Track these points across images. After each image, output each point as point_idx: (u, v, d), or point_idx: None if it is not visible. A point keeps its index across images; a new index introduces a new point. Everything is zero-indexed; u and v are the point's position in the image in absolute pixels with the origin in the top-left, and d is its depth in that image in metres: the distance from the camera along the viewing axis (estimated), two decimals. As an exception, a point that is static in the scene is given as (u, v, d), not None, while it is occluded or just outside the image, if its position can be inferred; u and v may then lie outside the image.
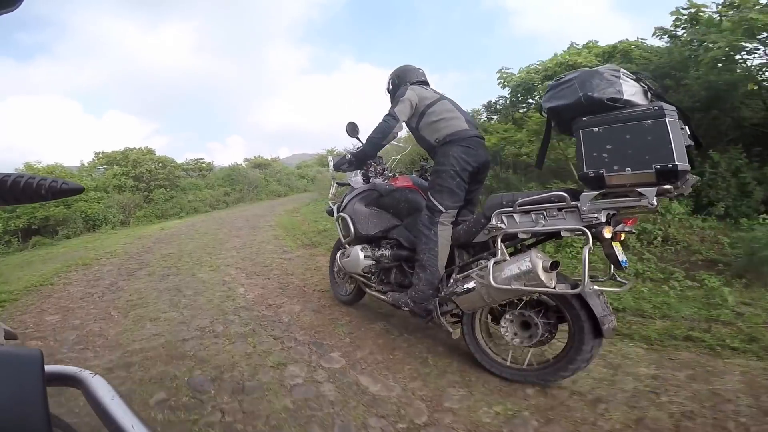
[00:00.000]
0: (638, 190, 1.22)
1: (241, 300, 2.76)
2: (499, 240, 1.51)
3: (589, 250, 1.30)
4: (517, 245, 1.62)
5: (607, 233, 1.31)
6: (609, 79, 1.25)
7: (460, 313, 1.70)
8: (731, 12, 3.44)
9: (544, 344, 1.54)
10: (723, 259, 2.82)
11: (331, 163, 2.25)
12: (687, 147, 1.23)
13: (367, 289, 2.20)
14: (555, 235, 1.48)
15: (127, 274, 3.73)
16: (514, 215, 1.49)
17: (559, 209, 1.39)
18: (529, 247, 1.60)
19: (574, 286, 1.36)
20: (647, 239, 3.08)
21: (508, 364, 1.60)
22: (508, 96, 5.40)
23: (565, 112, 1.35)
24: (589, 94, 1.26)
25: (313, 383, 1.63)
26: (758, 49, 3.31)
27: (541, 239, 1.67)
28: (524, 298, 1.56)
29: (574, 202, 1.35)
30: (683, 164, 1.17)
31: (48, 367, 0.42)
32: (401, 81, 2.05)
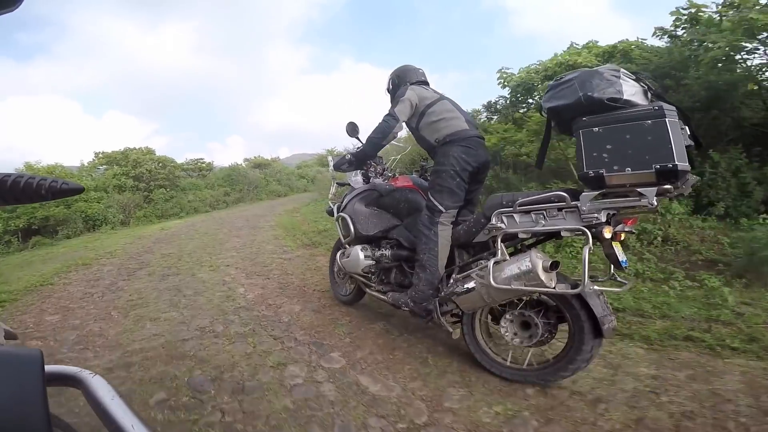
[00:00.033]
0: (638, 190, 1.22)
1: (241, 300, 2.76)
2: (499, 240, 1.51)
3: (589, 250, 1.30)
4: (517, 245, 1.62)
5: (607, 233, 1.31)
6: (609, 79, 1.25)
7: (460, 313, 1.70)
8: (731, 12, 3.44)
9: (544, 344, 1.54)
10: (723, 259, 2.82)
11: (331, 163, 2.25)
12: (687, 147, 1.23)
13: (367, 289, 2.20)
14: (555, 235, 1.48)
15: (127, 274, 3.73)
16: (514, 215, 1.49)
17: (559, 209, 1.39)
18: (529, 247, 1.60)
19: (574, 286, 1.36)
20: (647, 239, 3.08)
21: (507, 364, 1.60)
22: (508, 96, 5.40)
23: (565, 112, 1.35)
24: (589, 94, 1.26)
25: (313, 383, 1.63)
26: (758, 49, 3.30)
27: (541, 239, 1.67)
28: (524, 298, 1.56)
29: (574, 202, 1.35)
30: (683, 164, 1.17)
31: (48, 367, 0.42)
32: (401, 81, 2.05)
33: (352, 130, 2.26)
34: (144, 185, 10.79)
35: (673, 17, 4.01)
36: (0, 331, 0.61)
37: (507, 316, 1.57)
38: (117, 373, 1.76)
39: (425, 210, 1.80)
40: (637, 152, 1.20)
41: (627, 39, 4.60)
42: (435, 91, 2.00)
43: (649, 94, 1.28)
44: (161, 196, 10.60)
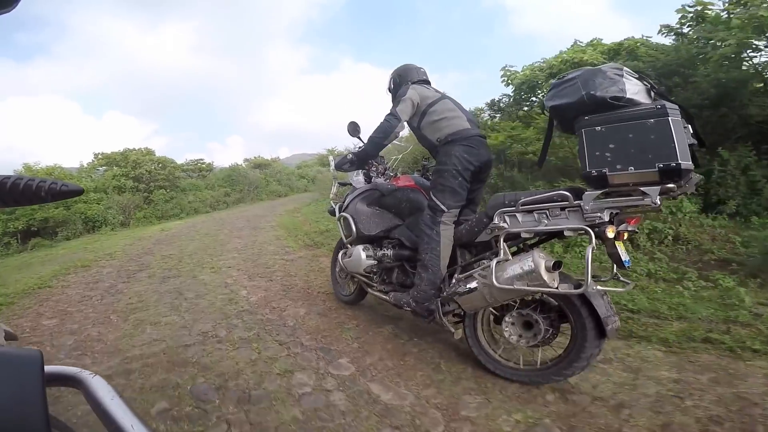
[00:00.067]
0: (641, 189, 1.22)
1: (243, 303, 2.69)
2: (501, 240, 1.51)
3: (592, 250, 1.30)
4: (519, 245, 1.62)
5: (610, 233, 1.31)
6: (612, 78, 1.25)
7: (462, 313, 1.70)
8: (738, 10, 3.39)
9: (546, 344, 1.54)
10: (735, 258, 2.77)
11: (333, 163, 2.25)
12: (690, 146, 1.23)
13: (369, 289, 2.20)
14: (558, 234, 1.47)
15: (127, 277, 3.67)
16: (517, 215, 1.49)
17: (562, 209, 1.39)
18: (532, 246, 1.60)
19: (577, 286, 1.36)
20: (658, 238, 3.03)
21: (510, 364, 1.60)
22: (512, 94, 5.33)
23: (568, 110, 1.35)
24: (592, 92, 1.26)
25: (323, 392, 1.57)
26: (768, 47, 3.25)
27: (544, 239, 1.67)
28: (526, 297, 1.56)
29: (576, 202, 1.35)
30: (686, 163, 1.17)
31: (48, 368, 0.42)
32: (403, 80, 2.05)
33: (354, 129, 2.26)
34: (144, 186, 10.76)
35: (679, 15, 3.96)
36: (0, 332, 0.62)
37: (509, 316, 1.57)
38: (116, 381, 1.70)
39: (427, 209, 1.80)
40: (640, 151, 1.20)
41: (633, 37, 4.54)
42: (436, 90, 2.00)
43: (652, 93, 1.28)
44: (161, 196, 10.58)
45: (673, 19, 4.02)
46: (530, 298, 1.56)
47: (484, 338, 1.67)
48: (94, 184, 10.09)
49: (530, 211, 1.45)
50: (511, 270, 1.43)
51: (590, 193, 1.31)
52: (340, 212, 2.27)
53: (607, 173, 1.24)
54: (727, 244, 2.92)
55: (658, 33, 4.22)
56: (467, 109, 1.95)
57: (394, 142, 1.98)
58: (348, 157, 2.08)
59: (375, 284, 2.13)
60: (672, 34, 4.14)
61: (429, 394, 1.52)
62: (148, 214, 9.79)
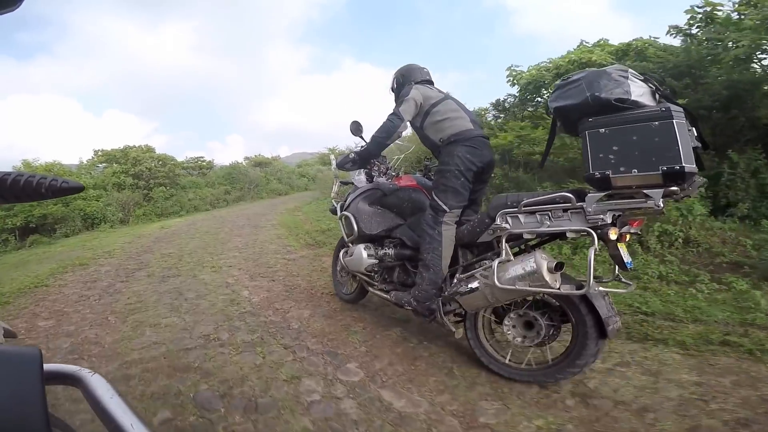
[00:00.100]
0: (644, 191, 1.23)
1: (246, 304, 2.62)
2: (503, 240, 1.52)
3: (594, 252, 1.31)
4: (520, 246, 1.63)
5: (613, 235, 1.31)
6: (617, 80, 1.26)
7: (463, 313, 1.71)
8: (749, 11, 3.33)
9: (547, 344, 1.55)
10: (747, 261, 2.74)
11: (334, 162, 2.26)
12: (694, 149, 1.24)
13: (370, 288, 2.21)
14: (560, 236, 1.48)
15: (126, 276, 3.60)
16: (519, 216, 1.50)
17: (565, 210, 1.40)
18: (534, 247, 1.61)
19: (579, 287, 1.37)
20: (668, 240, 2.97)
21: (510, 363, 1.60)
22: (517, 94, 5.26)
23: (572, 112, 1.35)
24: (596, 94, 1.26)
25: (332, 399, 1.51)
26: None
27: (546, 240, 1.68)
28: (528, 298, 1.57)
29: (579, 203, 1.36)
30: (690, 166, 1.17)
31: (47, 366, 0.43)
32: (406, 80, 2.06)
33: (356, 129, 2.26)
34: (144, 183, 10.69)
35: (688, 16, 3.91)
36: None
37: (510, 316, 1.58)
38: (115, 387, 1.58)
39: (429, 209, 1.81)
40: (644, 154, 1.20)
41: (641, 37, 4.47)
42: (439, 91, 2.00)
43: (657, 95, 1.28)
44: (161, 194, 10.51)
45: (677, 20, 4.05)
46: (531, 298, 1.57)
47: (485, 338, 1.68)
48: (94, 181, 10.02)
49: (532, 213, 1.46)
50: (512, 270, 1.44)
51: (593, 195, 1.32)
52: (341, 211, 2.28)
53: (611, 175, 1.25)
54: (738, 247, 2.90)
55: (667, 34, 4.20)
56: (470, 110, 1.96)
57: (397, 141, 1.97)
58: (350, 156, 2.09)
59: (376, 283, 2.14)
60: (680, 35, 4.09)
61: (444, 401, 1.47)
62: (147, 212, 9.74)
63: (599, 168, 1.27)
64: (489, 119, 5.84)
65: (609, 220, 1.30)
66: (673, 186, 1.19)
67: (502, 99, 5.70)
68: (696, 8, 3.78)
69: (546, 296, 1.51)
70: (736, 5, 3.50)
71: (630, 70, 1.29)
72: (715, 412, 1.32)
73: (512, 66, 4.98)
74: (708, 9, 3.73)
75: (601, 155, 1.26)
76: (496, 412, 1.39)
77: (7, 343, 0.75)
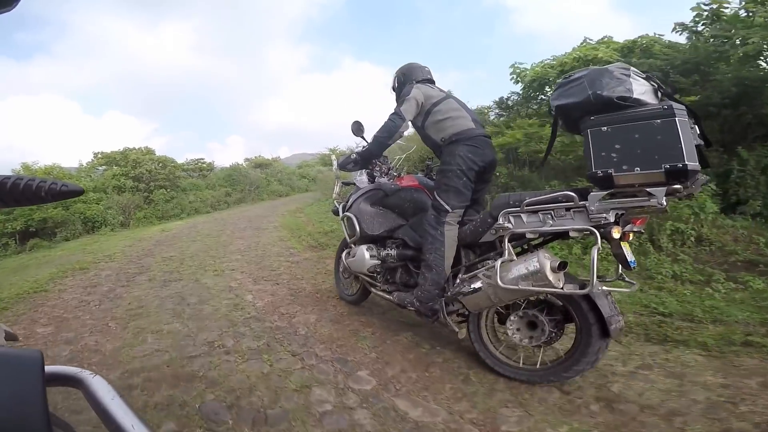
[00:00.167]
0: (647, 190, 1.23)
1: (250, 309, 2.56)
2: (506, 240, 1.52)
3: (597, 251, 1.31)
4: (523, 245, 1.63)
5: (616, 233, 1.31)
6: (619, 78, 1.25)
7: (466, 313, 1.71)
8: (757, 8, 3.28)
9: (550, 344, 1.56)
10: (761, 259, 2.71)
11: (336, 163, 2.26)
12: (697, 146, 1.23)
13: (373, 289, 2.21)
14: (563, 235, 1.49)
15: (127, 280, 3.55)
16: (522, 215, 1.50)
17: (567, 209, 1.40)
18: (536, 247, 1.61)
19: (582, 286, 1.38)
20: (680, 239, 2.92)
21: (514, 363, 1.61)
22: (521, 92, 5.18)
23: (574, 110, 1.35)
24: (598, 92, 1.26)
25: (345, 410, 1.45)
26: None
27: (549, 239, 1.67)
28: (531, 298, 1.58)
29: (582, 202, 1.36)
30: (693, 164, 1.17)
31: (48, 368, 0.43)
32: (407, 79, 2.06)
33: (358, 129, 2.26)
34: (144, 186, 10.66)
35: (694, 13, 3.87)
36: (0, 332, 0.63)
37: (513, 316, 1.59)
38: (116, 398, 1.51)
39: (431, 210, 1.81)
40: (647, 152, 1.20)
41: (647, 34, 4.41)
42: (441, 90, 2.00)
43: (659, 93, 1.28)
44: (161, 196, 10.48)
45: (677, 20, 4.03)
46: (534, 298, 1.57)
47: (488, 338, 1.68)
48: (94, 183, 10.03)
49: (535, 212, 1.46)
50: (516, 270, 1.44)
51: (596, 194, 1.32)
52: (343, 212, 2.28)
53: (613, 174, 1.25)
54: (751, 245, 2.87)
55: (672, 31, 4.15)
56: (471, 109, 1.96)
57: (398, 141, 2.00)
58: (352, 156, 2.09)
59: (378, 284, 2.14)
60: (686, 32, 4.04)
61: (462, 409, 1.42)
62: (148, 214, 9.72)
63: (601, 166, 1.27)
64: (492, 118, 5.77)
65: (612, 219, 1.30)
66: (676, 184, 1.20)
67: (505, 97, 5.64)
68: (702, 5, 3.77)
69: (549, 296, 1.52)
70: (744, 2, 3.45)
71: (632, 68, 1.29)
72: (745, 415, 1.29)
73: (516, 63, 4.92)
74: (714, 6, 3.70)
75: (603, 153, 1.26)
76: (518, 419, 1.34)
77: (9, 345, 0.73)
